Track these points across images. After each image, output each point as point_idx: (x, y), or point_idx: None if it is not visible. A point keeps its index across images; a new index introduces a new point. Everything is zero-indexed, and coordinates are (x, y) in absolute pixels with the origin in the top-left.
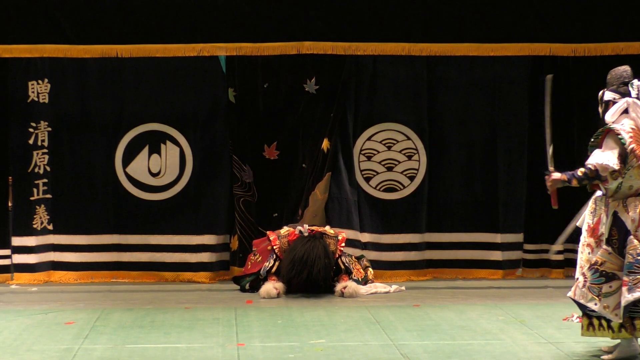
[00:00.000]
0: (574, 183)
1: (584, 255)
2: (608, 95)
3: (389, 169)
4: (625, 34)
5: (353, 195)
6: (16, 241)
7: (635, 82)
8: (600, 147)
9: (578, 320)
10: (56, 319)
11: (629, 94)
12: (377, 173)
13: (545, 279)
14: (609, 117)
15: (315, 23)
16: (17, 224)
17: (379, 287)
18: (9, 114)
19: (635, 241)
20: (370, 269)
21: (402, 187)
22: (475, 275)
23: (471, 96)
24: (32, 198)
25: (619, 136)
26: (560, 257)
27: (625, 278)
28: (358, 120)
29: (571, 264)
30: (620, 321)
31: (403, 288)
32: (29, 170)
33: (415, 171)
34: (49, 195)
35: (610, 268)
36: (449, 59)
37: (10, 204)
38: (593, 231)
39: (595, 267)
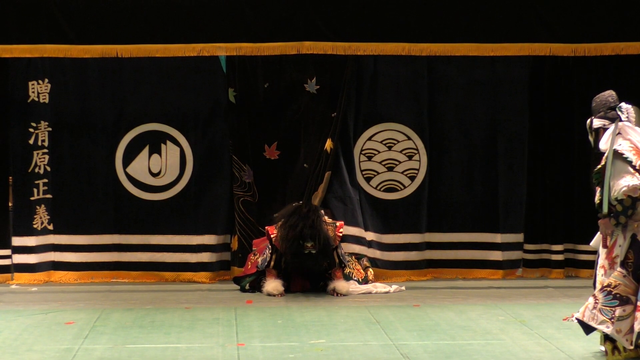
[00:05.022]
0: (622, 220)
1: (598, 277)
2: (597, 122)
3: (390, 169)
4: (625, 34)
5: (355, 194)
6: (16, 241)
7: (623, 105)
8: (603, 173)
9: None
10: (56, 319)
11: (617, 118)
12: (378, 173)
13: (545, 279)
14: (603, 144)
15: (315, 23)
16: (17, 224)
17: (379, 287)
18: (9, 114)
19: None
20: (370, 269)
21: (402, 187)
22: (475, 275)
23: (471, 96)
24: (32, 198)
25: (624, 155)
26: (560, 257)
27: (639, 304)
28: (359, 120)
29: (571, 264)
30: (632, 347)
31: (403, 288)
32: (29, 170)
33: (416, 171)
34: (49, 195)
35: (625, 291)
36: (449, 59)
37: (10, 204)
38: (608, 252)
39: (609, 289)
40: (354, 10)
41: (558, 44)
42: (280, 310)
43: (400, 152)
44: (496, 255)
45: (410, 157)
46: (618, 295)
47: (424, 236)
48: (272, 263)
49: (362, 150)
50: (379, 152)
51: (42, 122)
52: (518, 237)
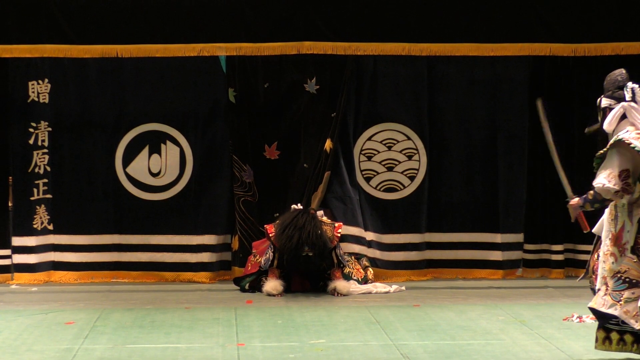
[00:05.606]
0: (587, 207)
1: (607, 264)
2: (604, 102)
3: (390, 169)
4: (625, 34)
5: (355, 194)
6: (16, 241)
7: (629, 84)
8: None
9: (578, 320)
10: (56, 319)
11: (624, 99)
12: (378, 173)
13: (545, 279)
14: (607, 125)
15: (315, 23)
16: (17, 224)
17: (379, 287)
18: (9, 114)
19: None
20: (370, 269)
21: (402, 187)
22: (475, 275)
23: (471, 96)
24: (32, 198)
25: (632, 145)
26: (560, 257)
27: None
28: (358, 120)
29: (571, 264)
30: (639, 328)
31: (403, 288)
32: (29, 170)
33: (416, 171)
34: (49, 195)
35: (635, 275)
36: (449, 59)
37: (10, 204)
38: (617, 239)
39: (619, 274)
40: (354, 10)
41: (558, 44)
42: (280, 310)
43: (400, 152)
44: (496, 255)
45: (410, 157)
46: (627, 279)
47: (423, 236)
48: (275, 262)
49: (362, 150)
50: (379, 152)
51: (42, 122)
52: (518, 237)
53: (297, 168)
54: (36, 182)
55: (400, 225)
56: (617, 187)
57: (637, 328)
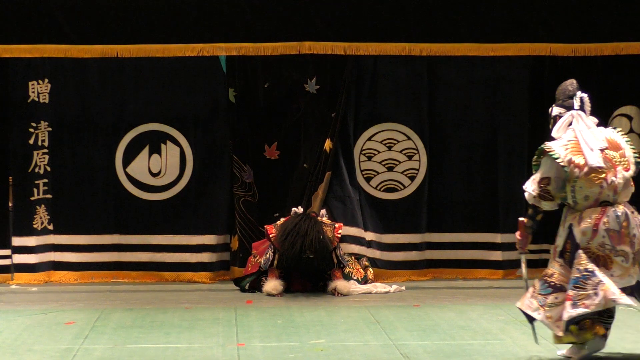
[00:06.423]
0: (531, 224)
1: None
2: (555, 110)
3: (390, 169)
4: (625, 34)
5: (355, 194)
6: (16, 241)
7: (579, 94)
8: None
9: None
10: (56, 319)
11: (573, 107)
12: (378, 173)
13: None
14: (555, 132)
15: (315, 23)
16: (18, 224)
17: (379, 287)
18: (9, 114)
19: (583, 255)
20: (370, 269)
21: (402, 187)
22: (475, 275)
23: (471, 96)
24: (32, 198)
25: (550, 152)
26: None
27: (569, 292)
28: (359, 120)
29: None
30: (562, 334)
31: (403, 288)
32: (29, 170)
33: (416, 171)
34: (49, 195)
35: (560, 280)
36: (449, 59)
37: (10, 204)
38: (553, 244)
39: (545, 278)
40: (354, 10)
41: (558, 44)
42: (280, 310)
43: (400, 152)
44: (496, 255)
45: (410, 157)
46: (552, 284)
47: (424, 236)
48: (275, 262)
49: (362, 150)
50: (379, 152)
51: (42, 122)
52: None
53: (297, 168)
54: (36, 182)
55: (400, 225)
56: (534, 193)
57: (560, 334)
